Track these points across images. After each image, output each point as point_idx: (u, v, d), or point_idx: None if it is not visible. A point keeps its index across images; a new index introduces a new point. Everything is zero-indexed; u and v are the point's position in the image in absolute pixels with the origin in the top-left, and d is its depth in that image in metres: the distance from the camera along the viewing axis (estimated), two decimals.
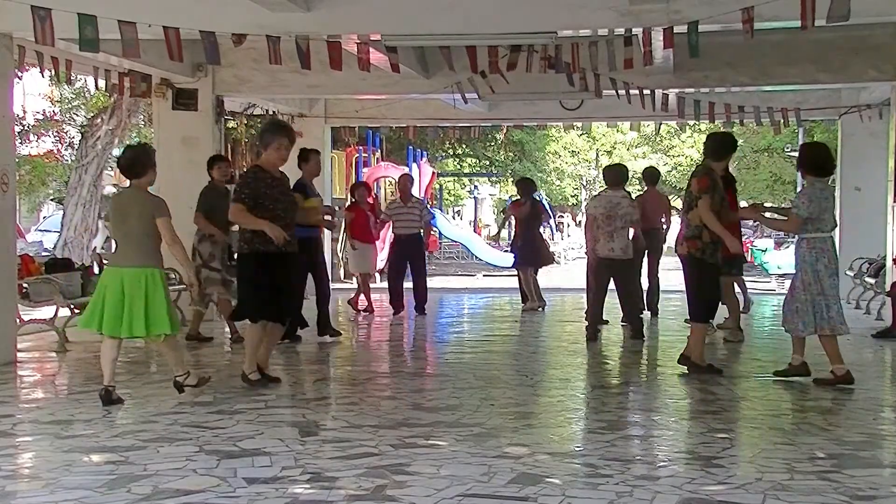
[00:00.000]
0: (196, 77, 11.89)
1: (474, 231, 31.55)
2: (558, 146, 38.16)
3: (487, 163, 32.04)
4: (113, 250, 7.02)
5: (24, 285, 9.30)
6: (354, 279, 14.42)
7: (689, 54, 7.90)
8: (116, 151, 17.90)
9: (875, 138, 14.04)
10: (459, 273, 22.64)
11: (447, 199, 35.87)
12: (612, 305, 10.48)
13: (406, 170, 19.19)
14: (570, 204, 44.77)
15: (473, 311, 14.08)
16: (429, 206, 14.05)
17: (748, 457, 5.27)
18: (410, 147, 23.26)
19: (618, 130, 36.93)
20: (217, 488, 4.58)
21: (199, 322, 9.78)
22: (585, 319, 10.06)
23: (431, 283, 12.99)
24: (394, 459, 5.08)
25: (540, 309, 12.80)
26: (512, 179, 29.17)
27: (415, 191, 13.84)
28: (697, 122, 18.37)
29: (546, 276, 13.55)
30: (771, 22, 7.86)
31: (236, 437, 5.57)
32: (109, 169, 21.08)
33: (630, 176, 11.83)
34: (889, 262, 11.93)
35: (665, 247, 11.71)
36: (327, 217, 10.00)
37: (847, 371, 7.24)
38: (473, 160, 32.48)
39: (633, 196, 11.07)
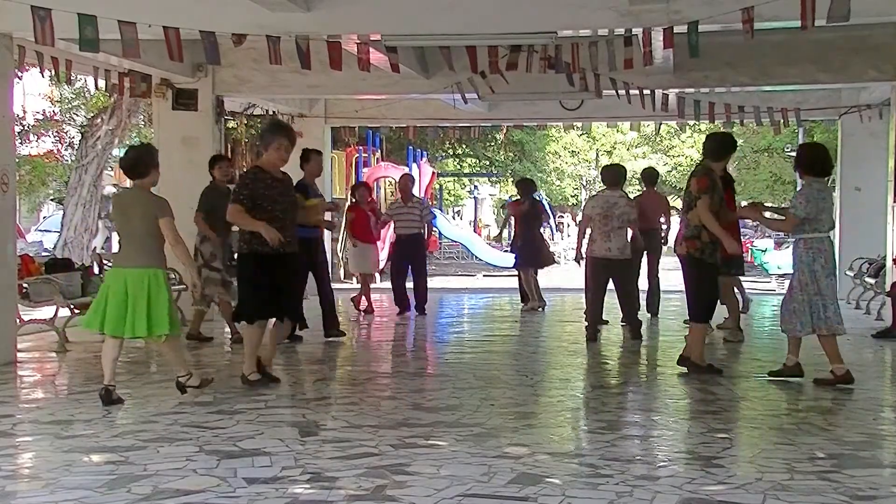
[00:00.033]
0: (196, 77, 11.89)
1: (474, 231, 31.55)
2: (558, 146, 38.17)
3: (487, 163, 32.04)
4: (116, 251, 7.01)
5: (24, 285, 9.30)
6: (354, 279, 14.46)
7: (689, 54, 7.90)
8: (116, 151, 17.92)
9: (875, 138, 14.04)
10: (459, 273, 22.64)
11: (447, 199, 35.87)
12: (612, 306, 10.48)
13: (406, 170, 19.20)
14: (570, 204, 44.76)
15: (473, 311, 14.08)
16: (429, 205, 14.03)
17: (748, 457, 5.27)
18: (410, 147, 23.27)
19: (618, 130, 36.92)
20: (217, 488, 4.58)
21: (201, 322, 9.78)
22: (585, 320, 10.05)
23: (431, 283, 12.99)
24: (394, 459, 5.08)
25: (540, 309, 12.81)
26: (512, 179, 29.19)
27: (415, 191, 13.83)
28: (697, 122, 18.36)
29: (546, 276, 13.55)
30: (771, 22, 7.85)
31: (236, 437, 5.57)
32: (109, 169, 21.10)
33: (629, 176, 11.83)
34: (889, 262, 11.94)
35: (665, 247, 11.71)
36: (330, 216, 10.00)
37: (847, 371, 7.24)
38: (473, 160, 32.48)
39: (632, 196, 11.07)
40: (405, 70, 10.44)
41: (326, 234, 12.89)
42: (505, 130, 22.48)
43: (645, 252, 11.22)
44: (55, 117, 22.31)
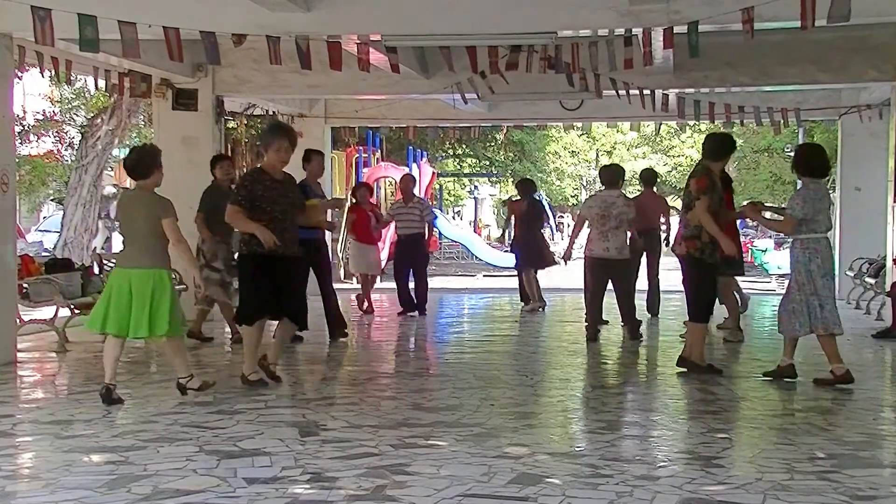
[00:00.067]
0: (196, 77, 11.89)
1: (474, 231, 31.55)
2: (558, 146, 38.17)
3: (487, 163, 32.04)
4: (119, 251, 7.02)
5: (24, 285, 9.30)
6: (354, 279, 14.46)
7: (689, 54, 7.89)
8: (116, 152, 17.92)
9: (875, 138, 14.05)
10: (459, 273, 22.64)
11: (447, 200, 35.87)
12: (612, 306, 10.47)
13: (407, 170, 19.20)
14: (570, 204, 44.76)
15: (473, 311, 14.08)
16: (430, 205, 14.02)
17: (748, 457, 5.27)
18: (410, 147, 23.27)
19: (618, 130, 36.92)
20: (217, 488, 4.58)
21: (202, 321, 9.77)
22: (585, 320, 10.05)
23: (431, 283, 12.98)
24: (394, 459, 5.08)
25: (540, 310, 12.81)
26: (512, 179, 29.19)
27: (415, 191, 13.82)
28: (697, 122, 18.37)
29: (546, 276, 13.54)
30: (771, 22, 7.85)
31: (236, 437, 5.57)
32: (109, 169, 21.10)
33: (629, 176, 11.84)
34: (889, 262, 11.94)
35: (666, 248, 11.71)
36: (329, 215, 10.00)
37: (847, 370, 7.24)
38: (473, 160, 32.48)
39: (632, 197, 11.07)
40: (405, 70, 10.43)
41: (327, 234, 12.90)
42: (505, 130, 22.48)
43: (644, 253, 11.23)
44: (55, 117, 22.32)
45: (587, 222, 9.98)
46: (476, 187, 38.37)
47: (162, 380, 7.50)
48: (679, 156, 38.17)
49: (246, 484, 4.65)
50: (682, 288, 8.16)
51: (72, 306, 9.71)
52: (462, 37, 8.87)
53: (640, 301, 11.93)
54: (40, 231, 25.68)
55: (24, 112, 20.77)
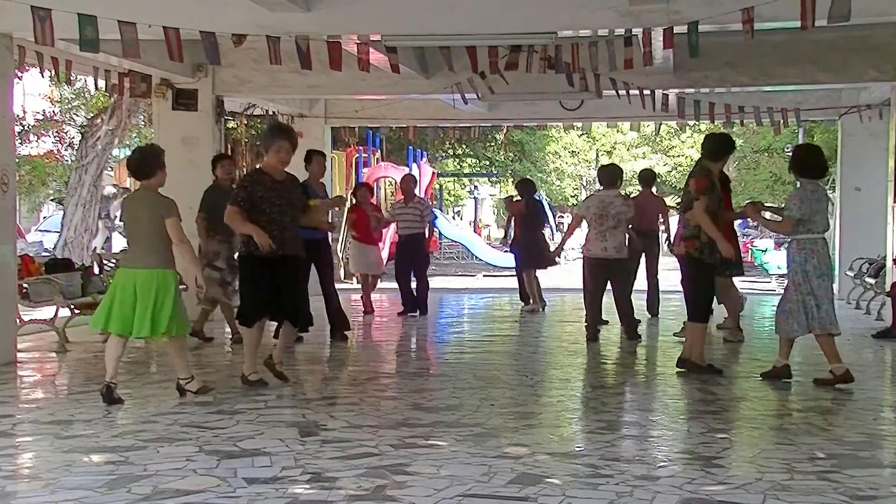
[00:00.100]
0: (196, 77, 11.89)
1: (474, 231, 31.55)
2: (558, 146, 38.14)
3: (487, 163, 32.03)
4: (122, 251, 7.02)
5: (24, 285, 9.30)
6: (354, 279, 14.45)
7: (689, 54, 7.89)
8: (116, 152, 17.91)
9: (875, 138, 14.05)
10: (459, 273, 22.64)
11: (447, 200, 35.86)
12: (612, 306, 10.46)
13: (407, 170, 19.20)
14: (569, 204, 44.74)
15: (473, 311, 14.08)
16: (430, 205, 14.02)
17: (748, 457, 5.27)
18: (410, 147, 23.27)
19: (618, 131, 36.88)
20: (217, 488, 4.58)
21: (205, 321, 9.76)
22: (585, 321, 10.04)
23: (431, 283, 12.97)
24: (394, 459, 5.08)
25: (540, 310, 12.81)
26: (512, 179, 29.18)
27: (416, 191, 13.82)
28: (697, 122, 18.37)
29: (546, 276, 13.54)
30: (771, 22, 7.86)
31: (236, 437, 5.57)
32: (109, 169, 21.09)
33: (629, 177, 11.84)
34: (889, 262, 11.94)
35: (665, 248, 11.71)
36: (330, 216, 9.99)
37: (846, 370, 7.24)
38: (473, 160, 32.47)
39: (631, 196, 11.07)
40: (405, 70, 10.43)
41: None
42: (505, 130, 22.48)
43: (643, 253, 11.23)
44: (55, 117, 22.31)
45: (584, 222, 9.99)
46: (476, 187, 38.36)
47: (162, 380, 7.50)
48: (679, 156, 38.15)
49: (246, 484, 4.65)
50: (680, 288, 8.17)
51: (72, 306, 9.70)
52: (462, 37, 8.87)
53: (641, 301, 11.94)
54: (40, 231, 25.68)
55: (24, 112, 20.77)
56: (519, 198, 13.33)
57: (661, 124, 19.58)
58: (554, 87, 11.40)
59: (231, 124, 15.23)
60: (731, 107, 13.10)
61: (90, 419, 6.10)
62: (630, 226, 10.06)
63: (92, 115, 19.05)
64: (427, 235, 12.77)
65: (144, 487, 4.58)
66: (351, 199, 13.59)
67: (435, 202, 27.28)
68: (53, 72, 10.44)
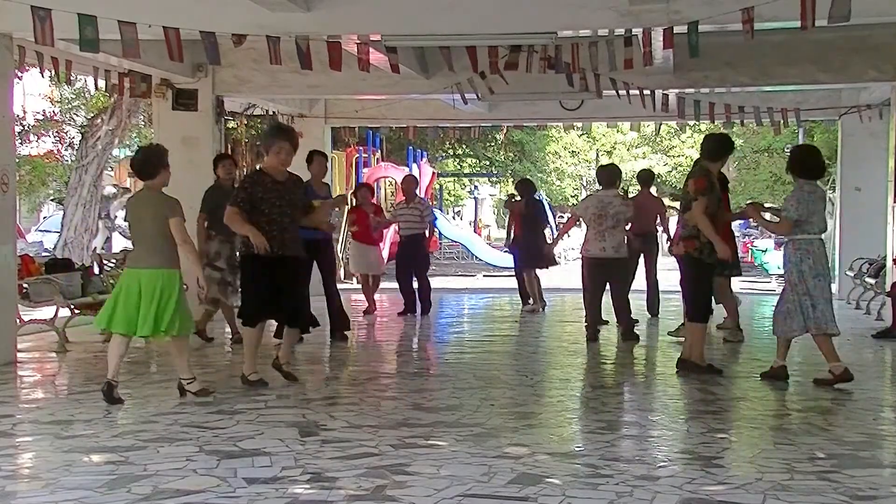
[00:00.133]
0: (196, 77, 11.89)
1: (474, 231, 31.55)
2: (558, 146, 38.13)
3: (487, 163, 32.04)
4: (131, 252, 7.03)
5: (24, 285, 9.30)
6: (355, 279, 14.46)
7: (689, 54, 7.89)
8: (116, 152, 17.91)
9: (875, 138, 14.05)
10: (459, 273, 22.64)
11: (447, 200, 35.87)
12: (612, 305, 10.47)
13: (407, 170, 19.20)
14: (570, 204, 44.71)
15: (473, 311, 14.08)
16: (430, 206, 14.02)
17: (748, 457, 5.27)
18: (410, 147, 23.28)
19: (618, 130, 36.87)
20: (217, 488, 4.58)
21: (207, 321, 9.75)
22: (585, 321, 10.04)
23: (431, 283, 12.96)
24: (394, 459, 5.08)
25: (540, 310, 12.81)
26: (512, 179, 29.19)
27: (416, 191, 13.82)
28: (697, 122, 18.37)
29: (546, 276, 13.54)
30: (771, 22, 7.86)
31: (236, 437, 5.57)
32: (109, 169, 21.10)
33: (628, 177, 11.85)
34: (889, 262, 11.94)
35: (665, 249, 11.70)
36: (332, 217, 9.99)
37: (845, 369, 7.24)
38: (473, 160, 32.48)
39: (630, 196, 11.06)
40: (405, 70, 10.43)
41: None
42: (505, 130, 22.48)
43: (642, 254, 11.22)
44: (55, 117, 22.31)
45: (582, 221, 10.00)
46: (476, 187, 38.37)
47: (162, 380, 7.51)
48: (679, 156, 38.13)
49: (246, 484, 4.65)
50: (679, 288, 8.17)
51: (72, 306, 9.71)
52: (462, 37, 8.87)
53: (640, 301, 11.95)
54: (40, 231, 25.67)
55: (24, 112, 20.77)
56: (518, 198, 13.33)
57: (661, 124, 19.58)
58: (554, 87, 11.40)
59: (231, 124, 15.23)
60: (731, 107, 13.11)
61: (90, 419, 6.10)
62: (629, 225, 10.07)
63: (92, 115, 19.05)
64: (427, 235, 12.78)
65: (144, 487, 4.58)
66: (351, 200, 13.60)
67: (435, 202, 27.29)
68: (53, 72, 10.44)
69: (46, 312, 9.74)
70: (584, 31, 9.27)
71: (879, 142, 13.75)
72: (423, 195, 19.78)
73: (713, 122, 14.69)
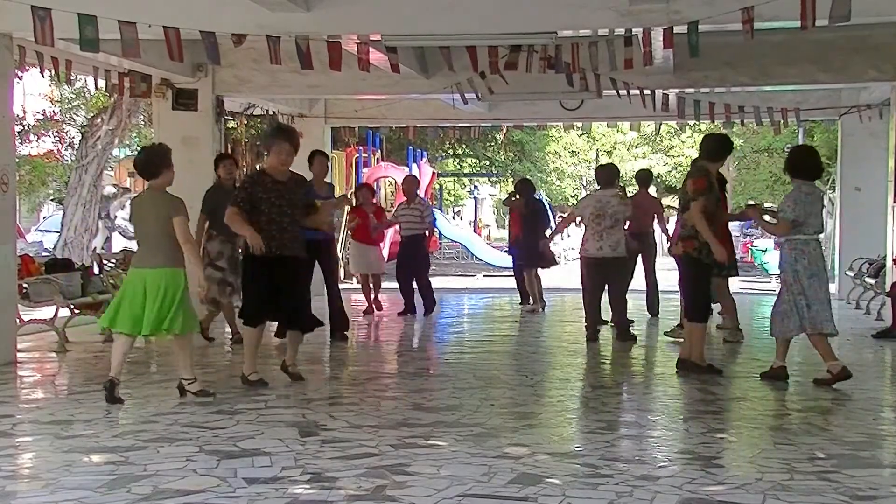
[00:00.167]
0: (196, 77, 11.89)
1: (474, 231, 31.55)
2: (558, 146, 38.11)
3: (487, 163, 32.02)
4: (136, 252, 7.04)
5: (24, 285, 9.30)
6: (355, 279, 14.46)
7: (689, 54, 7.89)
8: (116, 151, 17.91)
9: (875, 138, 14.05)
10: (459, 273, 22.64)
11: (447, 199, 35.86)
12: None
13: (407, 170, 19.18)
14: (570, 204, 44.70)
15: (473, 311, 14.08)
16: (430, 206, 14.01)
17: (748, 457, 5.27)
18: (410, 147, 23.27)
19: (618, 130, 36.86)
20: (217, 488, 4.58)
21: (211, 320, 9.74)
22: (585, 321, 10.04)
23: (431, 283, 12.96)
24: (394, 459, 5.08)
25: (540, 310, 12.80)
26: (512, 180, 29.19)
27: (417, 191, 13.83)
28: (697, 122, 18.36)
29: (546, 276, 13.54)
30: (771, 22, 7.86)
31: (236, 437, 5.57)
32: (109, 169, 21.11)
33: (628, 177, 11.85)
34: (889, 262, 11.94)
35: (665, 249, 11.70)
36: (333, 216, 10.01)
37: (842, 367, 7.24)
38: (473, 160, 32.47)
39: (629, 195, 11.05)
40: (405, 70, 10.43)
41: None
42: (505, 130, 22.47)
43: (640, 254, 11.22)
44: (55, 117, 22.31)
45: (581, 221, 10.01)
46: (476, 187, 38.37)
47: (162, 380, 7.51)
48: (679, 156, 38.11)
49: (246, 484, 4.65)
50: (677, 288, 8.16)
51: (72, 306, 9.71)
52: (462, 37, 8.87)
53: (640, 301, 11.95)
54: (40, 231, 25.66)
55: (24, 112, 20.77)
56: (517, 197, 13.31)
57: (661, 124, 19.58)
58: (554, 87, 11.40)
59: (231, 124, 15.23)
60: (731, 107, 13.11)
61: (90, 419, 6.10)
62: (627, 223, 10.06)
63: (92, 115, 19.04)
64: (427, 235, 12.79)
65: (144, 487, 4.58)
66: (352, 200, 13.59)
67: (435, 202, 27.29)
68: (53, 72, 10.44)
69: (46, 312, 9.74)
70: (584, 31, 9.27)
71: (879, 142, 13.75)
72: (423, 195, 19.81)
73: (713, 122, 14.69)
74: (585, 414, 6.59)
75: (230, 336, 9.68)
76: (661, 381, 7.90)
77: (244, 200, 7.10)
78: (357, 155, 19.65)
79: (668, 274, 11.90)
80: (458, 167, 34.84)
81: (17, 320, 9.20)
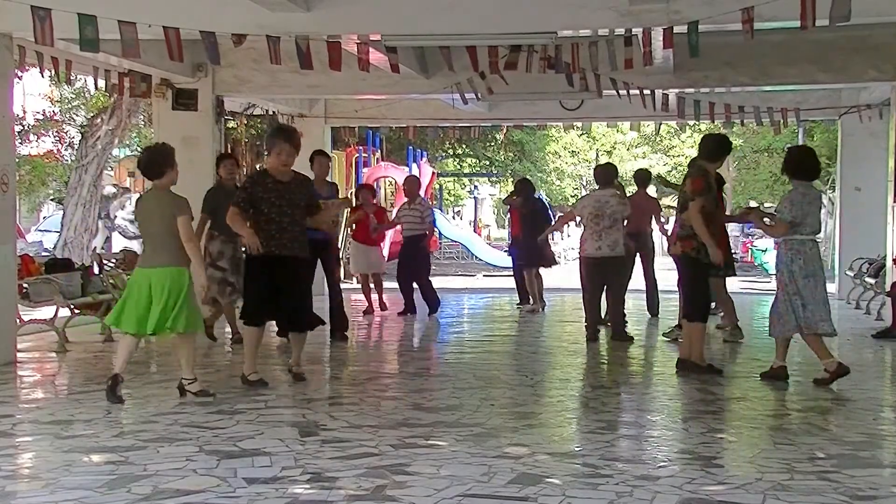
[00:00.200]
0: (196, 77, 11.89)
1: (474, 231, 31.55)
2: (558, 146, 38.13)
3: (487, 163, 32.03)
4: (141, 252, 7.05)
5: (24, 285, 9.30)
6: (355, 279, 14.46)
7: (689, 54, 7.89)
8: (116, 151, 17.91)
9: (875, 138, 14.05)
10: (459, 273, 22.64)
11: (447, 199, 35.87)
12: None
13: (407, 170, 19.17)
14: (570, 204, 44.71)
15: (473, 311, 14.08)
16: (430, 206, 14.02)
17: (748, 457, 5.27)
18: (410, 147, 23.27)
19: (618, 130, 36.89)
20: (217, 488, 4.58)
21: (215, 320, 9.73)
22: (585, 321, 10.05)
23: (432, 282, 12.97)
24: (394, 459, 5.08)
25: (540, 310, 12.80)
26: (512, 180, 29.20)
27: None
28: (697, 122, 18.37)
29: (546, 276, 13.53)
30: (771, 22, 7.86)
31: (236, 437, 5.57)
32: (109, 169, 21.11)
33: (628, 177, 11.85)
34: (889, 262, 11.94)
35: (662, 249, 11.71)
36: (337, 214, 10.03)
37: (838, 364, 7.25)
38: (473, 160, 32.48)
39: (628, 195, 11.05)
40: (405, 70, 10.43)
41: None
42: (505, 130, 22.49)
43: (637, 254, 11.22)
44: (55, 117, 22.33)
45: (580, 221, 10.01)
46: (476, 187, 38.38)
47: (162, 380, 7.51)
48: (679, 156, 38.12)
49: (246, 484, 4.65)
50: (676, 288, 8.16)
51: (72, 306, 9.71)
52: (462, 37, 8.87)
53: (640, 301, 11.96)
54: (40, 231, 25.67)
55: (24, 112, 20.78)
56: (516, 197, 13.30)
57: (661, 124, 19.60)
58: (554, 87, 11.40)
59: (231, 124, 15.24)
60: (731, 107, 13.11)
61: (90, 419, 6.10)
62: (626, 222, 10.06)
63: (92, 115, 19.05)
64: (427, 235, 12.79)
65: (144, 487, 4.58)
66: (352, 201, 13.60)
67: (435, 202, 27.30)
68: (53, 72, 10.44)
69: (46, 312, 9.74)
70: (584, 31, 9.27)
71: (879, 142, 13.75)
72: (423, 195, 19.80)
73: (713, 122, 14.69)
74: (585, 414, 6.59)
75: (230, 336, 9.68)
76: (660, 381, 7.90)
77: (244, 201, 7.15)
78: (357, 155, 19.65)
79: (667, 274, 11.91)
80: (458, 167, 34.85)
81: (17, 320, 9.19)
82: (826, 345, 7.40)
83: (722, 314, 10.16)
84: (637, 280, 11.46)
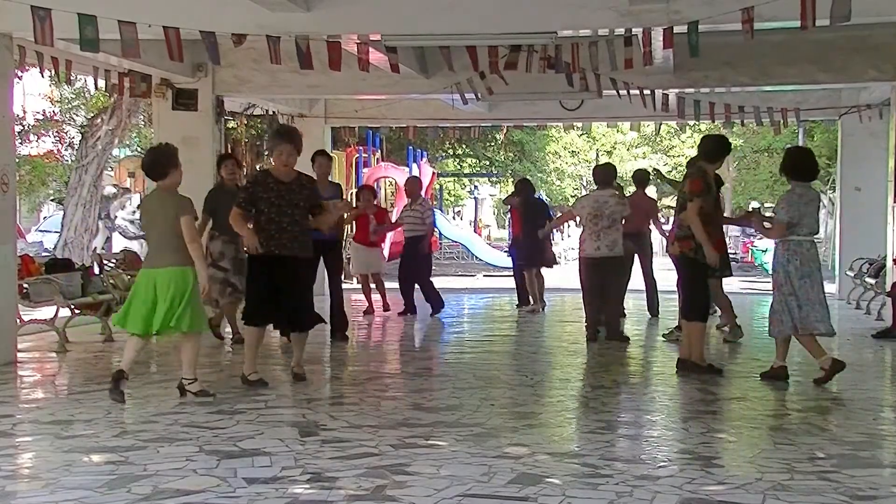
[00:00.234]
0: (196, 77, 11.90)
1: (474, 231, 31.55)
2: (558, 146, 38.13)
3: (487, 163, 32.03)
4: (146, 253, 7.05)
5: (25, 285, 9.30)
6: (355, 280, 14.46)
7: (689, 54, 7.90)
8: (116, 151, 17.91)
9: (875, 138, 14.05)
10: (459, 273, 22.65)
11: (447, 200, 35.87)
12: None
13: (407, 171, 19.17)
14: (570, 204, 44.71)
15: (473, 311, 14.08)
16: (430, 206, 14.02)
17: (748, 457, 5.27)
18: (410, 147, 23.27)
19: (618, 130, 36.88)
20: (217, 488, 4.58)
21: (221, 319, 9.71)
22: (585, 321, 10.04)
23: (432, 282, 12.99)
24: (394, 459, 5.08)
25: (540, 310, 12.80)
26: (512, 180, 29.20)
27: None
28: (697, 122, 18.37)
29: (546, 276, 13.53)
30: (771, 22, 7.86)
31: (236, 437, 5.57)
32: (109, 169, 21.11)
33: (628, 178, 11.86)
34: (889, 262, 11.94)
35: (661, 249, 11.71)
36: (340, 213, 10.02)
37: (832, 360, 7.27)
38: (473, 160, 32.48)
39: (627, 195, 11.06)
40: (405, 70, 10.44)
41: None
42: (505, 130, 22.49)
43: (636, 254, 11.22)
44: (55, 117, 22.33)
45: (579, 221, 10.01)
46: (476, 187, 38.39)
47: (162, 380, 7.51)
48: (679, 156, 38.12)
49: (246, 484, 4.65)
50: (675, 288, 8.16)
51: (72, 306, 9.71)
52: (462, 37, 8.87)
53: (640, 302, 11.96)
54: (40, 231, 25.68)
55: (24, 112, 20.78)
56: (515, 197, 13.30)
57: (661, 124, 19.60)
58: (554, 87, 11.41)
59: (231, 124, 15.24)
60: (731, 107, 13.12)
61: (90, 419, 6.09)
62: (624, 221, 10.06)
63: (92, 115, 19.06)
64: (428, 236, 12.81)
65: (144, 487, 4.58)
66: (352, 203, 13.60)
67: (435, 202, 27.30)
68: (53, 72, 10.45)
69: (46, 312, 9.74)
70: (584, 31, 9.27)
71: (879, 142, 13.76)
72: (424, 196, 19.80)
73: (713, 122, 14.69)
74: (585, 414, 6.59)
75: (231, 336, 9.68)
76: (660, 381, 7.90)
77: (246, 201, 7.19)
78: (357, 155, 19.65)
79: (666, 274, 11.91)
80: (458, 167, 34.85)
81: (18, 320, 9.20)
82: (820, 343, 7.40)
83: (721, 314, 10.17)
84: (637, 280, 11.46)
